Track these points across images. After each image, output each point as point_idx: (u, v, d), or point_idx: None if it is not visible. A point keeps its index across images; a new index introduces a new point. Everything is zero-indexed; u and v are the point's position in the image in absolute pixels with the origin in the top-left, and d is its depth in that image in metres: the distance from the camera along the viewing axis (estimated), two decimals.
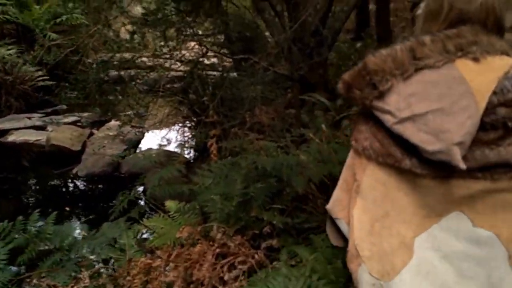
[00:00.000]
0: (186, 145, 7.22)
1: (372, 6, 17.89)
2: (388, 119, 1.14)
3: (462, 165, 1.04)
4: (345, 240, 1.40)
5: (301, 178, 2.75)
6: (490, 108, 1.07)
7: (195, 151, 7.24)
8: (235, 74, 8.00)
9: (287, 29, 4.42)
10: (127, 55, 5.51)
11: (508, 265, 1.12)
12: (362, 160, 1.25)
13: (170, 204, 3.63)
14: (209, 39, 5.89)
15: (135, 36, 4.93)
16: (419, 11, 1.32)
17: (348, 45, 8.77)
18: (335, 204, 1.38)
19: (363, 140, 1.24)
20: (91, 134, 8.58)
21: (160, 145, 8.01)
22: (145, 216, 3.91)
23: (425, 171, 1.12)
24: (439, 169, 1.10)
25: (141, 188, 5.68)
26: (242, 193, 2.89)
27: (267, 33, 7.27)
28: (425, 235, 1.16)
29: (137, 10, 5.51)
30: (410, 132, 1.09)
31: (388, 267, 1.18)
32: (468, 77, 1.08)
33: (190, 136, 7.50)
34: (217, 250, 2.45)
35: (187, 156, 7.26)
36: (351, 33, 13.58)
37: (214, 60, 7.73)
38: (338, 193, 1.38)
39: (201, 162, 4.53)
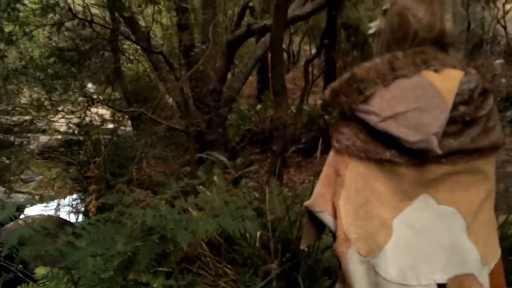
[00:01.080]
0: (74, 210, 6.59)
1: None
2: (372, 119, 1.34)
3: (439, 151, 1.28)
4: (319, 232, 1.65)
5: (187, 234, 2.44)
6: (453, 106, 1.32)
7: (84, 215, 6.64)
8: (131, 133, 7.66)
9: (181, 81, 4.20)
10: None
11: (466, 234, 1.38)
12: (344, 158, 1.43)
13: (39, 270, 3.12)
14: (99, 89, 5.51)
15: (12, 87, 4.44)
16: (372, 30, 1.61)
17: (249, 107, 8.81)
18: (317, 199, 1.53)
19: (345, 140, 1.43)
20: None
21: (46, 211, 7.27)
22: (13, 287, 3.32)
23: (402, 160, 1.34)
24: (413, 157, 1.34)
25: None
26: (121, 253, 2.51)
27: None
28: (401, 216, 1.38)
29: (13, 54, 5.01)
30: (393, 127, 1.31)
31: (373, 245, 1.37)
32: (435, 82, 1.34)
33: (79, 200, 6.89)
34: None
35: (74, 222, 6.61)
36: (252, 98, 13.83)
37: (108, 117, 7.32)
38: (320, 189, 1.53)
39: None
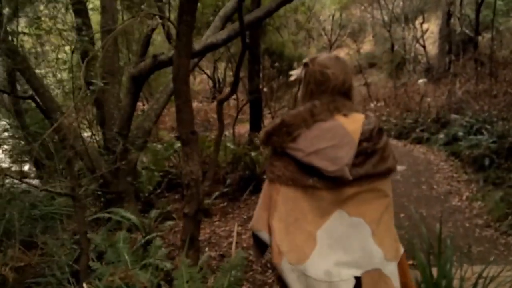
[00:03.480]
0: None
1: (196, 104, 17.69)
2: (298, 154, 1.72)
3: (350, 177, 1.67)
4: (263, 251, 2.00)
5: None
6: (358, 143, 1.72)
7: None
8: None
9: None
10: None
11: (372, 239, 1.75)
12: (276, 185, 1.78)
13: None
14: None
15: None
16: (293, 77, 2.02)
17: (167, 145, 7.84)
18: (258, 221, 1.88)
19: (277, 171, 1.78)
20: None
21: None
22: None
23: (321, 185, 1.71)
24: (330, 183, 1.70)
25: None
26: None
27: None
28: (322, 229, 1.73)
29: None
30: (315, 160, 1.68)
31: (302, 255, 1.71)
32: (345, 125, 1.74)
33: None
34: None
35: None
36: (175, 131, 12.87)
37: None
38: (259, 212, 1.89)
39: None
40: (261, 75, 11.47)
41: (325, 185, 1.69)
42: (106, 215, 4.85)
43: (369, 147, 1.73)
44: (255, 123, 10.37)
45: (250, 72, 10.05)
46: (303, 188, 1.72)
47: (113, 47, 5.80)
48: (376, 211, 1.76)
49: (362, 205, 1.74)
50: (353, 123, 1.73)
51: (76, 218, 3.58)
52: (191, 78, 21.44)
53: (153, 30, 5.25)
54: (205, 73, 19.67)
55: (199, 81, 25.20)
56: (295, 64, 12.12)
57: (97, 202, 5.88)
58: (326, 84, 1.81)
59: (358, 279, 1.72)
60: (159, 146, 7.78)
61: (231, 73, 18.80)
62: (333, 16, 22.37)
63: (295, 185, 1.73)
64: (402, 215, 5.54)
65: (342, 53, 24.39)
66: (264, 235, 1.84)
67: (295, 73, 1.99)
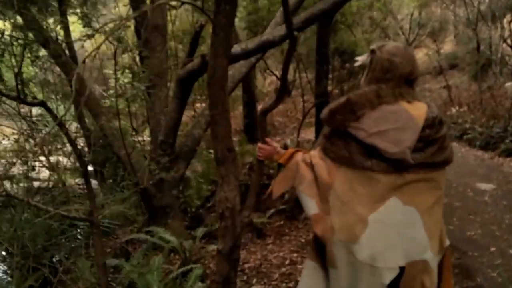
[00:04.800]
0: None
1: (261, 106, 17.06)
2: (361, 134, 1.76)
3: (411, 161, 1.70)
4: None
5: None
6: (421, 128, 1.76)
7: None
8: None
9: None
10: None
11: (423, 229, 1.78)
12: (336, 164, 1.84)
13: None
14: None
15: None
16: (358, 63, 2.04)
17: None
18: (302, 182, 1.98)
19: (338, 150, 1.84)
20: None
21: None
22: None
23: (379, 168, 1.73)
24: (389, 166, 1.73)
25: None
26: None
27: None
28: (375, 214, 1.76)
29: None
30: (378, 141, 1.72)
31: (352, 235, 1.77)
32: (409, 110, 1.77)
33: None
34: None
35: None
36: (239, 135, 12.33)
37: None
38: (307, 177, 1.96)
39: None
40: (330, 76, 10.65)
41: (383, 168, 1.74)
42: (143, 236, 4.30)
43: (431, 135, 1.80)
44: (321, 129, 9.57)
45: (318, 73, 9.25)
46: (361, 170, 1.77)
47: (161, 46, 5.29)
48: (428, 202, 1.81)
49: (415, 195, 1.78)
50: (417, 109, 1.79)
51: (94, 246, 3.03)
52: (260, 79, 20.87)
53: (202, 26, 4.62)
54: (274, 74, 19.04)
55: (269, 83, 24.66)
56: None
57: (140, 216, 5.37)
58: (392, 72, 1.86)
59: (402, 269, 1.76)
60: (209, 153, 7.20)
61: (303, 74, 18.03)
62: (412, 14, 21.00)
63: (353, 166, 1.79)
64: (493, 249, 4.55)
65: (420, 53, 22.91)
66: (309, 201, 1.94)
67: (361, 59, 2.02)
